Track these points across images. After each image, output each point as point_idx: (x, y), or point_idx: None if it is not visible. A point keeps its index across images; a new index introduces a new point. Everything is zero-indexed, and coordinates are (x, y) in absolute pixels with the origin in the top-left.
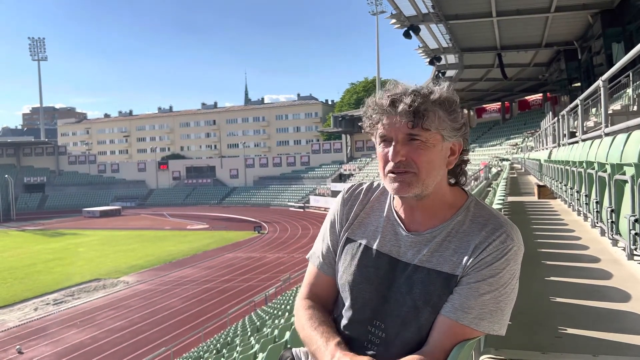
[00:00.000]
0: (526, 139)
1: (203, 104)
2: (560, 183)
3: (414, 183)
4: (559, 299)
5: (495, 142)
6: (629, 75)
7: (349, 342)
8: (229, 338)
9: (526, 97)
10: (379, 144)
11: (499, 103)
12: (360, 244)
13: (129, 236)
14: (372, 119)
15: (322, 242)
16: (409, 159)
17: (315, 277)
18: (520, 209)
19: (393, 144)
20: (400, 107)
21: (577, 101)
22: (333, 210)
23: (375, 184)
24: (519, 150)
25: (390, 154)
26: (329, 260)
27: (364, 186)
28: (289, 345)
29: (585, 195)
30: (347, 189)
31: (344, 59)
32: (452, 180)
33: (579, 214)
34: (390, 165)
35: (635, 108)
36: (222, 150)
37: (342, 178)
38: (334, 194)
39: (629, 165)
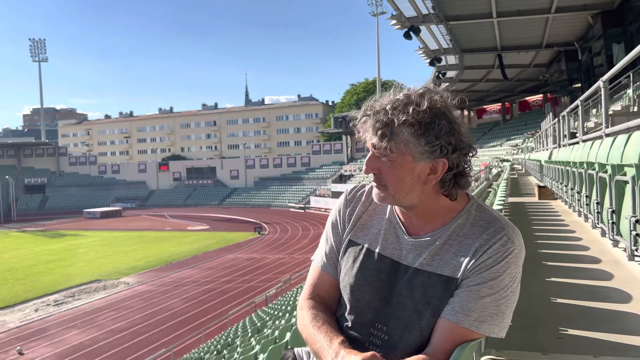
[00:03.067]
0: (527, 139)
1: (203, 105)
2: (561, 184)
3: (386, 196)
4: (559, 300)
5: (496, 142)
6: (629, 76)
7: (351, 344)
8: (229, 339)
9: (526, 98)
10: None
11: (500, 104)
12: (363, 246)
13: (130, 237)
14: (357, 127)
15: (325, 243)
16: (379, 174)
17: (319, 278)
18: (521, 210)
19: (368, 155)
20: (368, 124)
21: (578, 102)
22: (335, 211)
23: None
24: (520, 151)
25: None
26: (332, 261)
27: (366, 188)
28: (289, 346)
29: (586, 196)
30: (349, 190)
31: (345, 60)
32: (445, 192)
33: (579, 215)
34: None
35: (635, 109)
36: (223, 151)
37: (342, 179)
38: (335, 194)
39: (630, 166)
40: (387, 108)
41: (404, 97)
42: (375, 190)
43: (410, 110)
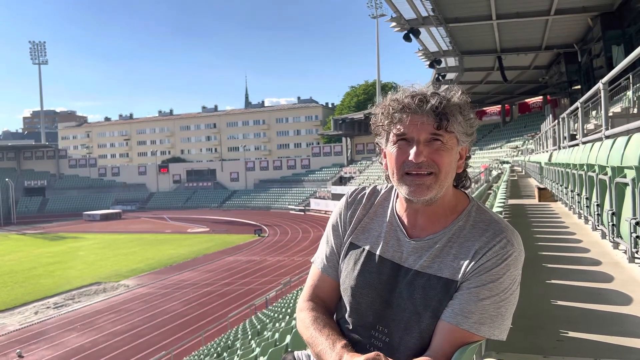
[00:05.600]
0: (526, 141)
1: (203, 107)
2: (561, 186)
3: (433, 185)
4: (560, 302)
5: (496, 144)
6: (629, 78)
7: (352, 346)
8: (229, 341)
9: (526, 100)
10: (394, 144)
11: (499, 106)
12: (364, 249)
13: (130, 239)
14: (393, 117)
15: (325, 245)
16: (430, 160)
17: (319, 280)
18: (521, 212)
19: (415, 144)
20: (427, 107)
21: (578, 104)
22: (336, 214)
23: (378, 188)
24: (520, 152)
25: (412, 154)
26: (332, 264)
27: (367, 190)
28: (289, 349)
29: (586, 198)
30: (350, 193)
31: (345, 62)
32: (454, 183)
33: (579, 217)
34: (408, 165)
35: (635, 111)
36: (223, 153)
37: (342, 181)
38: (335, 197)
39: (630, 168)
40: (439, 92)
41: (436, 87)
42: (412, 187)
43: (456, 94)
